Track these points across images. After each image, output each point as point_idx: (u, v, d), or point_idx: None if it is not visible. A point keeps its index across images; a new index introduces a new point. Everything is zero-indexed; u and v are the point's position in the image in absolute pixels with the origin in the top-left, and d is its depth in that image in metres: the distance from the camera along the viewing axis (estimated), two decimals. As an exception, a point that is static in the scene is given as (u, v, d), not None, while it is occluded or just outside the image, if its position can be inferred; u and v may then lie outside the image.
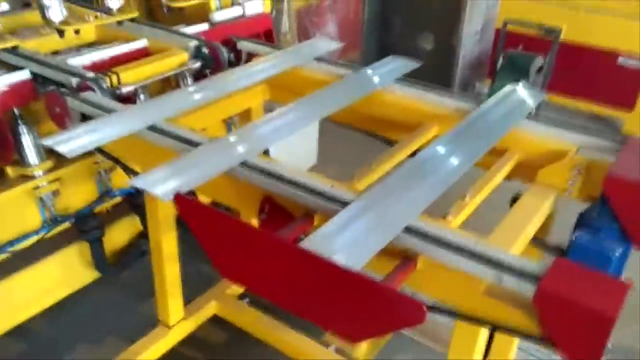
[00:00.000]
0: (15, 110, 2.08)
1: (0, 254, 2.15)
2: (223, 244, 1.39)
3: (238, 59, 2.46)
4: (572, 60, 4.45)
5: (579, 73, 4.52)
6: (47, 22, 2.26)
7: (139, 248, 2.62)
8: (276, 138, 1.74)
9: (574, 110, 4.70)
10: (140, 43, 2.43)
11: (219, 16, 2.83)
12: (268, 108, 2.49)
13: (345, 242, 1.26)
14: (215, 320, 2.65)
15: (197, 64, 2.33)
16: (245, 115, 2.43)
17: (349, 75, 2.16)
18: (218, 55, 2.37)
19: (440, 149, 1.64)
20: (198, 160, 1.57)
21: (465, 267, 1.23)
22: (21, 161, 2.15)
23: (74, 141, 1.66)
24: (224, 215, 1.30)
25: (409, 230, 1.32)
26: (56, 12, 2.23)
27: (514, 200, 1.65)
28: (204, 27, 2.73)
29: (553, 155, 1.70)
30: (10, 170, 2.16)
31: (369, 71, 2.16)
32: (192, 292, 2.61)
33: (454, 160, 1.59)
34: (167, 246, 2.23)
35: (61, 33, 2.28)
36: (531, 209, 1.57)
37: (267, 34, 2.98)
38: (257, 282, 1.40)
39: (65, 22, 2.28)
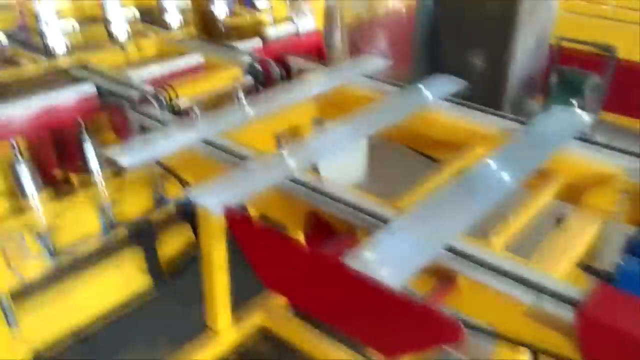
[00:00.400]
0: (81, 121, 2.21)
1: (62, 256, 2.27)
2: (268, 258, 1.46)
3: (289, 75, 2.54)
4: (629, 79, 4.34)
5: (636, 93, 4.40)
6: (112, 38, 2.39)
7: (191, 256, 2.73)
8: (324, 154, 1.79)
9: (630, 131, 4.57)
10: (197, 58, 2.54)
11: (272, 32, 2.93)
12: (316, 124, 2.57)
13: (387, 260, 1.28)
14: (263, 330, 2.71)
15: (250, 80, 2.42)
16: (295, 132, 2.49)
17: (396, 93, 2.20)
18: (269, 71, 2.45)
19: (485, 169, 1.66)
20: (248, 175, 1.64)
21: (506, 289, 1.25)
22: (84, 169, 2.27)
23: (133, 153, 1.75)
24: (270, 230, 1.36)
25: (451, 250, 1.34)
26: (120, 29, 2.36)
27: (559, 222, 1.64)
28: (257, 43, 2.83)
29: (600, 178, 1.69)
30: (74, 178, 2.29)
31: (416, 90, 2.19)
32: (242, 300, 2.68)
33: (498, 181, 1.61)
34: (217, 255, 2.31)
35: (124, 49, 2.40)
36: (576, 233, 1.57)
37: (319, 50, 3.05)
38: (299, 295, 1.45)
39: (128, 39, 2.40)
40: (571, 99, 4.33)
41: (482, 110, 2.07)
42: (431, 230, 1.40)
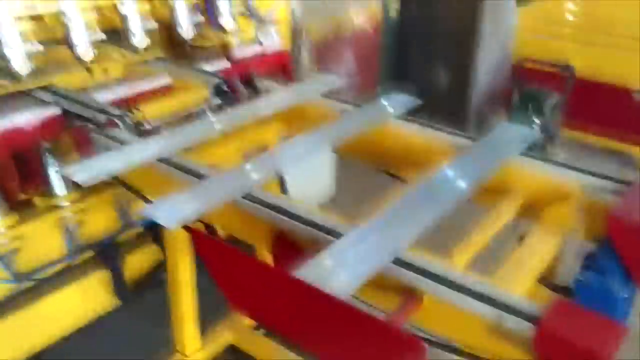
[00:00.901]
0: (45, 144, 2.19)
1: (26, 281, 2.23)
2: (233, 278, 1.46)
3: (256, 92, 2.56)
4: (588, 96, 4.49)
5: (595, 109, 4.56)
6: (78, 60, 2.38)
7: (158, 277, 2.70)
8: (284, 167, 1.79)
9: (590, 146, 4.72)
10: (164, 80, 2.55)
11: (238, 53, 2.95)
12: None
13: (333, 271, 1.33)
14: (232, 350, 2.70)
15: (217, 101, 2.43)
16: (263, 150, 2.51)
17: (357, 109, 2.24)
18: (237, 92, 2.47)
19: (435, 182, 1.71)
20: (205, 190, 1.65)
21: (468, 306, 1.28)
22: (48, 192, 2.25)
23: (89, 170, 1.75)
24: (233, 249, 1.38)
25: (414, 268, 1.38)
26: (86, 51, 2.35)
27: (521, 239, 1.69)
28: (224, 64, 2.85)
29: (558, 194, 1.75)
30: (38, 200, 2.26)
31: (373, 107, 2.24)
32: (209, 320, 2.67)
33: (447, 192, 1.65)
34: (183, 275, 2.31)
35: (90, 71, 2.39)
36: (536, 249, 1.62)
37: (285, 70, 3.09)
38: (265, 314, 1.46)
39: (94, 61, 2.40)
40: (532, 116, 4.47)
41: (435, 128, 2.13)
42: (381, 241, 1.44)
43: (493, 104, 4.88)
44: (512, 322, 1.22)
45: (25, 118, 2.11)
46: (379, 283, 1.38)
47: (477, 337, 1.30)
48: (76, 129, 2.15)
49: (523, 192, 1.81)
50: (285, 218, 1.55)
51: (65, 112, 2.21)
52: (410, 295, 1.36)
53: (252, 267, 1.38)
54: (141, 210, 1.55)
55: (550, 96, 4.27)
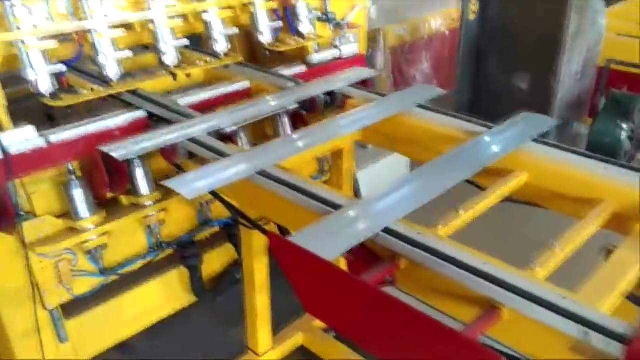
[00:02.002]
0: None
1: (111, 275, 2.35)
2: (309, 282, 1.48)
3: (333, 101, 2.57)
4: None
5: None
6: (163, 66, 2.48)
7: (233, 276, 2.77)
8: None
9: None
10: (243, 85, 2.62)
11: (316, 58, 2.98)
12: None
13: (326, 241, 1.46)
14: (302, 351, 2.73)
15: (295, 106, 2.46)
16: (337, 155, 2.52)
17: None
18: (314, 98, 2.50)
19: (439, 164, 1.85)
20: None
21: (552, 322, 1.23)
22: (134, 191, 2.35)
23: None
24: (310, 254, 1.39)
25: (494, 280, 1.34)
26: (171, 57, 2.45)
27: (608, 253, 1.61)
28: (302, 69, 2.89)
29: (651, 207, 1.65)
30: (124, 199, 2.38)
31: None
32: (281, 320, 2.71)
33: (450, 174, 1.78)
34: (259, 276, 2.35)
35: (174, 76, 2.49)
36: (625, 263, 1.53)
37: (364, 76, 3.09)
38: (339, 319, 1.46)
39: (178, 66, 2.49)
40: (620, 121, 4.24)
41: (453, 116, 2.22)
42: (375, 215, 1.58)
43: (577, 109, 4.67)
44: (599, 342, 1.16)
45: (115, 120, 2.22)
46: (458, 294, 1.36)
47: (559, 355, 1.25)
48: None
49: (613, 203, 1.71)
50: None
51: (150, 115, 2.31)
52: (489, 308, 1.32)
53: (328, 272, 1.38)
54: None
55: (639, 100, 4.03)
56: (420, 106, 2.34)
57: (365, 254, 1.61)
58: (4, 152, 1.97)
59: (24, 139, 2.02)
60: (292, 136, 2.21)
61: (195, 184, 1.79)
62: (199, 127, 2.14)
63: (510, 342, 1.32)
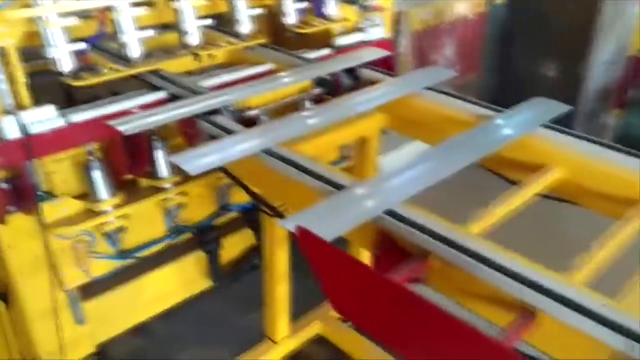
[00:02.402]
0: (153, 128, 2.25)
1: (128, 258, 2.32)
2: (337, 279, 1.43)
3: (359, 85, 2.50)
4: None
5: None
6: (185, 46, 2.42)
7: (251, 261, 2.74)
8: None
9: None
10: (266, 67, 2.55)
11: (341, 41, 2.90)
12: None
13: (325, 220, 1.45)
14: (319, 340, 2.70)
15: (318, 90, 2.39)
16: (361, 143, 2.46)
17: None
18: (339, 82, 2.42)
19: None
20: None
21: (589, 330, 1.17)
22: (153, 174, 2.31)
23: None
24: (339, 251, 1.33)
25: (531, 284, 1.28)
26: (194, 38, 2.39)
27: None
28: (326, 52, 2.81)
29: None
30: (143, 181, 2.33)
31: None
32: (298, 308, 2.67)
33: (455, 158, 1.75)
34: (279, 264, 2.31)
35: (197, 56, 2.43)
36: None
37: (388, 60, 3.00)
38: (366, 318, 1.41)
39: (200, 47, 2.43)
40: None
41: (463, 99, 2.19)
42: (379, 195, 1.56)
43: (604, 100, 4.54)
44: (642, 353, 1.10)
45: (136, 101, 2.17)
46: (491, 296, 1.30)
47: (597, 365, 1.19)
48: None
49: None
50: (396, 222, 1.48)
51: (172, 97, 2.26)
52: (525, 313, 1.27)
53: (356, 269, 1.33)
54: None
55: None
56: (431, 89, 2.31)
57: (393, 250, 1.55)
58: (24, 131, 1.93)
59: (44, 118, 1.97)
60: (304, 113, 2.16)
61: (201, 160, 1.77)
62: (216, 100, 2.09)
63: (547, 349, 1.26)
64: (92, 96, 2.22)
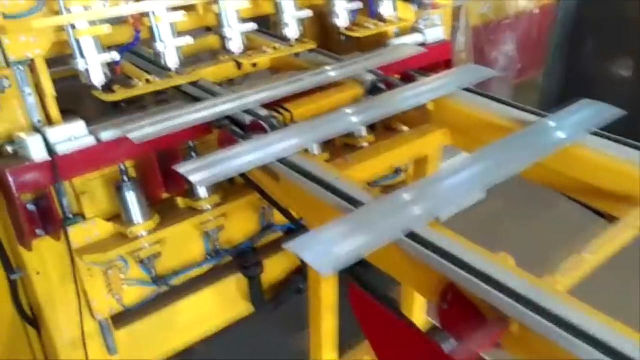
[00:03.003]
0: (190, 142, 2.06)
1: (164, 285, 2.14)
2: (386, 339, 1.22)
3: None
4: None
5: None
6: (227, 52, 2.22)
7: (296, 285, 2.53)
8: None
9: None
10: (320, 76, 2.31)
11: (395, 44, 2.64)
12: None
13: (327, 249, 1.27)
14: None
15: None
16: (421, 164, 2.20)
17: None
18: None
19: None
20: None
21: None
22: (190, 193, 2.13)
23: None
24: (390, 314, 1.16)
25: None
26: (236, 43, 2.18)
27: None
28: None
29: None
30: (180, 201, 2.16)
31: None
32: (345, 339, 2.45)
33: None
34: (326, 296, 2.08)
35: (239, 65, 2.22)
36: None
37: (447, 64, 2.73)
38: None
39: (243, 53, 2.22)
40: None
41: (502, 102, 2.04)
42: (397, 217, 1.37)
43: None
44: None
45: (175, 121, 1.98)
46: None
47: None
48: (221, 130, 1.99)
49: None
50: (462, 273, 1.24)
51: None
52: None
53: (407, 334, 1.12)
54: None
55: None
56: (467, 89, 2.13)
57: (461, 303, 1.31)
58: (50, 151, 1.76)
59: (72, 135, 1.81)
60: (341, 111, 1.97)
61: (209, 169, 1.63)
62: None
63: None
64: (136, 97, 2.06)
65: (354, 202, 1.47)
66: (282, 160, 1.68)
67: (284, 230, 2.46)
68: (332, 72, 2.21)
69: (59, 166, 1.78)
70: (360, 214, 1.42)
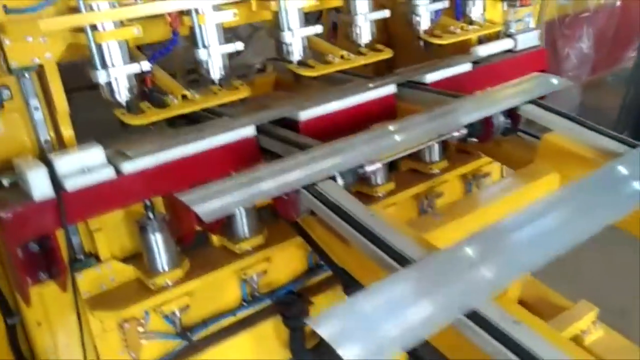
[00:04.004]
0: (232, 173, 1.67)
1: (190, 338, 1.77)
2: None
3: (515, 124, 1.80)
4: None
5: None
6: (282, 59, 1.80)
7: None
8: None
9: None
10: (385, 90, 1.89)
11: (483, 51, 2.19)
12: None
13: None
14: None
15: (461, 132, 1.72)
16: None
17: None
18: (490, 123, 1.74)
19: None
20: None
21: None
22: (229, 231, 1.75)
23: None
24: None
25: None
26: (297, 51, 1.77)
27: None
28: (464, 67, 2.10)
29: None
30: (215, 239, 1.78)
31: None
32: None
33: None
34: None
35: (297, 77, 1.80)
36: None
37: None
38: None
39: (303, 63, 1.80)
40: None
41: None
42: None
43: None
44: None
45: (211, 142, 1.58)
46: None
47: None
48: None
49: None
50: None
51: (259, 130, 1.66)
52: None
53: None
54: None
55: None
56: (535, 102, 1.78)
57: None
58: (57, 187, 1.38)
59: (85, 166, 1.42)
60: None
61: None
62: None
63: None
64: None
65: (403, 260, 1.14)
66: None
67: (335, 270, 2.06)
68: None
69: (68, 206, 1.39)
70: (410, 276, 1.10)
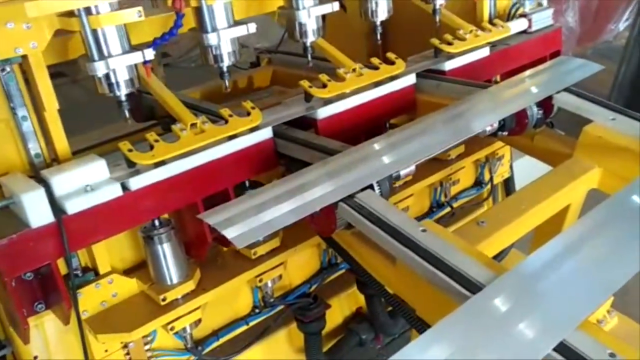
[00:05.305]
0: (246, 182, 1.50)
1: (200, 354, 1.61)
2: None
3: (547, 115, 1.67)
4: None
5: None
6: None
7: (356, 336, 2.01)
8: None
9: None
10: (409, 80, 1.74)
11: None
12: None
13: None
14: None
15: (493, 126, 1.58)
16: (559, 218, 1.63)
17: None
18: (523, 116, 1.60)
19: None
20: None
21: None
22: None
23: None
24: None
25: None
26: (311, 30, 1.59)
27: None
28: (482, 52, 1.95)
29: None
30: (227, 253, 1.61)
31: None
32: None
33: None
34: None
35: (325, 85, 1.60)
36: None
37: (554, 57, 2.13)
38: None
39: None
40: None
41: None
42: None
43: None
44: None
45: (219, 151, 1.40)
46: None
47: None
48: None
49: None
50: None
51: (276, 134, 1.49)
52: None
53: None
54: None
55: None
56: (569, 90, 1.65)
57: None
58: (55, 209, 1.18)
59: (88, 185, 1.22)
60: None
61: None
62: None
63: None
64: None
65: (469, 284, 1.00)
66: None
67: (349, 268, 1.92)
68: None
69: (70, 231, 1.20)
70: (485, 305, 0.93)
